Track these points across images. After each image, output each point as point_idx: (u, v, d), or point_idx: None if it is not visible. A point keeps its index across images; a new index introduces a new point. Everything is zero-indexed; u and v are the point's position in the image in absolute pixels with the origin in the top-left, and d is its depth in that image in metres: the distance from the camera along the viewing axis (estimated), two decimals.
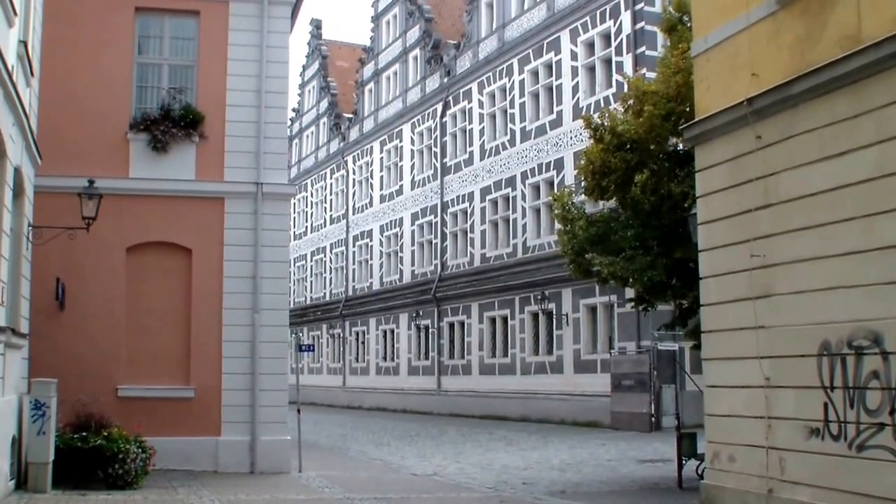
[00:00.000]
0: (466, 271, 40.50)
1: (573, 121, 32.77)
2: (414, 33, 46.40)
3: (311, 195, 59.55)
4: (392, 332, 47.21)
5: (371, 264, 50.22)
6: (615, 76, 31.21)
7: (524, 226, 36.50)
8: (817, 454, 10.19)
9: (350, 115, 54.53)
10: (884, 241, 9.37)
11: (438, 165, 43.30)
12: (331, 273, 55.87)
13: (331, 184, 56.64)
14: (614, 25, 32.05)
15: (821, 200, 10.24)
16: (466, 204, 40.91)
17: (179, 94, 18.21)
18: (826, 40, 10.31)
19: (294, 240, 57.48)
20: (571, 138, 33.21)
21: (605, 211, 19.48)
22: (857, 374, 9.70)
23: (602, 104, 29.78)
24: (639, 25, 30.86)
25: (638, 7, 31.00)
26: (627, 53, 31.24)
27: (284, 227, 18.72)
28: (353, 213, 52.70)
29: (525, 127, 36.79)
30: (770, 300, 10.97)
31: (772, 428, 10.88)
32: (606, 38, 32.61)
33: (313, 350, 52.12)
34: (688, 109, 15.77)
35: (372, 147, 50.72)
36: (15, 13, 11.66)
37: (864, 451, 9.56)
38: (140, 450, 14.82)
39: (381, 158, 49.59)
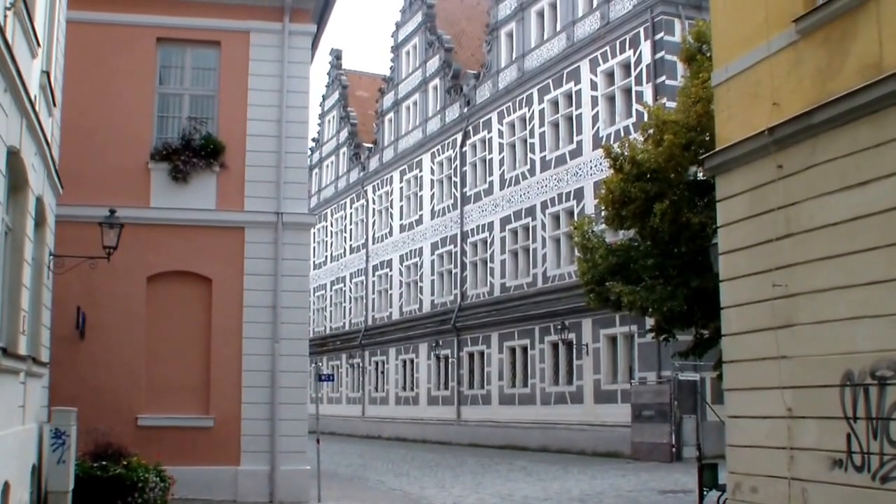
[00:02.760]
0: (486, 301, 40.40)
1: (593, 150, 32.80)
2: (434, 63, 46.59)
3: (331, 225, 59.65)
4: (412, 361, 47.09)
5: (391, 294, 50.18)
6: (635, 106, 31.20)
7: (544, 255, 36.42)
8: (840, 485, 10.06)
9: (370, 145, 54.71)
10: None
11: (458, 195, 43.32)
12: (350, 303, 55.87)
13: (350, 213, 56.75)
14: (634, 55, 32.08)
15: (843, 230, 10.16)
16: (486, 233, 40.88)
17: (200, 125, 18.30)
18: (847, 70, 10.27)
19: (314, 269, 57.53)
20: (591, 168, 33.19)
21: (624, 240, 19.45)
22: (881, 405, 9.58)
23: (622, 134, 29.76)
24: (658, 55, 30.86)
25: (658, 37, 31.02)
26: (647, 83, 31.23)
27: (304, 257, 18.72)
28: (373, 243, 52.75)
29: (545, 156, 36.78)
30: (792, 330, 10.87)
31: (794, 459, 10.76)
32: (626, 67, 32.64)
33: (333, 380, 52.37)
34: (708, 139, 15.76)
35: (392, 177, 50.83)
36: (38, 44, 11.76)
37: (887, 483, 9.43)
38: (159, 479, 14.81)
39: (401, 188, 49.69)
